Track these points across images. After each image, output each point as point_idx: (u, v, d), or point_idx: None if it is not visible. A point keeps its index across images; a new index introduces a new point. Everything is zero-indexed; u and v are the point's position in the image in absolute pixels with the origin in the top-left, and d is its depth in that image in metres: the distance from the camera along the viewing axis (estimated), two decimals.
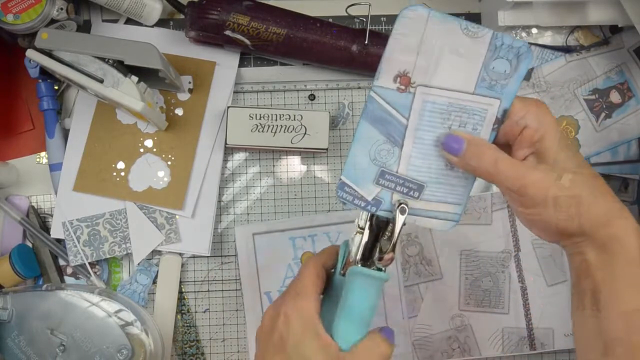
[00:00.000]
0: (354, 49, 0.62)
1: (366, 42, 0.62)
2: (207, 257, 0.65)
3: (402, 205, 0.43)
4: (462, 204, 0.44)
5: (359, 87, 0.67)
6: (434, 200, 0.43)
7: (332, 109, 0.67)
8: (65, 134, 0.65)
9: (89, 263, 0.63)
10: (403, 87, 0.42)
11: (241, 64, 0.66)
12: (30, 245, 0.65)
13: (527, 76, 0.64)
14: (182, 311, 0.65)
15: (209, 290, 0.66)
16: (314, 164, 0.67)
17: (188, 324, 0.65)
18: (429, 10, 0.40)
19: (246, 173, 0.66)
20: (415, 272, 0.65)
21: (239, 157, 0.66)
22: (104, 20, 0.66)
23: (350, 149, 0.43)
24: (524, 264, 0.65)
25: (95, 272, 0.64)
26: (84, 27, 0.65)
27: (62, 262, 0.65)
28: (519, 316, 0.64)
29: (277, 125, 0.62)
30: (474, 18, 0.67)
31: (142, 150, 0.64)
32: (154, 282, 0.65)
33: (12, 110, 0.66)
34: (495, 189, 0.66)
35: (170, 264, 0.64)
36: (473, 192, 0.66)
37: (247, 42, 0.62)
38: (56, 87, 0.65)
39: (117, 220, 0.64)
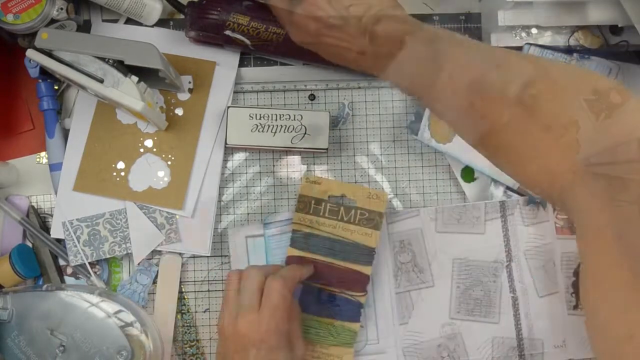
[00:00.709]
0: None
1: None
2: (207, 257, 0.65)
3: None
4: None
5: (359, 87, 0.67)
6: None
7: (332, 109, 0.67)
8: (65, 134, 0.65)
9: (89, 263, 0.63)
10: None
11: (241, 64, 0.66)
12: (30, 245, 0.65)
13: None
14: (182, 311, 0.65)
15: (209, 290, 0.66)
16: (314, 164, 0.67)
17: (188, 324, 0.65)
18: None
19: (246, 173, 0.66)
20: (407, 279, 0.65)
21: (239, 157, 0.66)
22: (104, 20, 0.66)
23: None
24: (515, 274, 0.65)
25: (95, 272, 0.64)
26: (84, 27, 0.65)
27: (62, 262, 0.65)
28: (510, 326, 0.64)
29: (277, 125, 0.62)
30: (474, 18, 0.67)
31: (142, 150, 0.64)
32: (154, 282, 0.64)
33: (12, 110, 0.66)
34: (488, 199, 0.66)
35: (170, 264, 0.64)
36: (467, 201, 0.66)
37: (247, 42, 0.62)
38: (56, 87, 0.65)
39: (117, 220, 0.64)
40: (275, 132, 0.62)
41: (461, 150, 0.64)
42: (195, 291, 0.65)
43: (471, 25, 0.68)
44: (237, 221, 0.66)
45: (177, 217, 0.64)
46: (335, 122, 0.66)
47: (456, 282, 0.65)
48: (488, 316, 0.64)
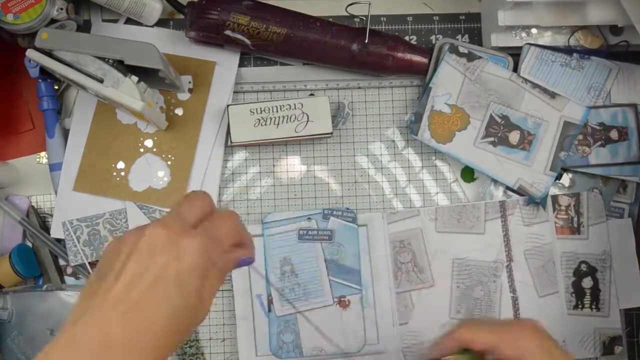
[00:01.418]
0: (354, 48, 0.62)
1: (366, 41, 0.62)
2: None
3: None
4: None
5: (359, 87, 0.67)
6: None
7: (332, 109, 0.67)
8: (65, 134, 0.65)
9: (89, 263, 0.63)
10: None
11: (241, 64, 0.66)
12: (30, 245, 0.65)
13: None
14: None
15: None
16: (314, 164, 0.67)
17: None
18: None
19: (246, 173, 0.66)
20: (407, 279, 0.65)
21: (239, 157, 0.66)
22: (104, 20, 0.66)
23: None
24: (515, 274, 0.65)
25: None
26: (84, 27, 0.65)
27: (62, 262, 0.65)
28: None
29: (279, 117, 0.62)
30: (474, 18, 0.67)
31: (142, 150, 0.64)
32: None
33: (12, 110, 0.66)
34: (488, 199, 0.66)
35: None
36: (467, 201, 0.66)
37: (247, 41, 0.62)
38: (56, 87, 0.65)
39: (117, 220, 0.64)
40: (278, 124, 0.62)
41: (461, 150, 0.64)
42: None
43: (471, 25, 0.68)
44: None
45: None
46: (335, 122, 0.66)
47: (456, 282, 0.65)
48: (488, 316, 0.64)
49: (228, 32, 0.61)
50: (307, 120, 0.62)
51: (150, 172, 0.64)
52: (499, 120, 0.64)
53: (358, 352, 0.64)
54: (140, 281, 0.34)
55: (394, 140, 0.67)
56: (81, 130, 0.64)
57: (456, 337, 0.48)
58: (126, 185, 0.64)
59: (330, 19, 0.65)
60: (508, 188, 0.65)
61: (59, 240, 0.64)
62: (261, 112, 0.62)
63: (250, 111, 0.62)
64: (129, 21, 0.66)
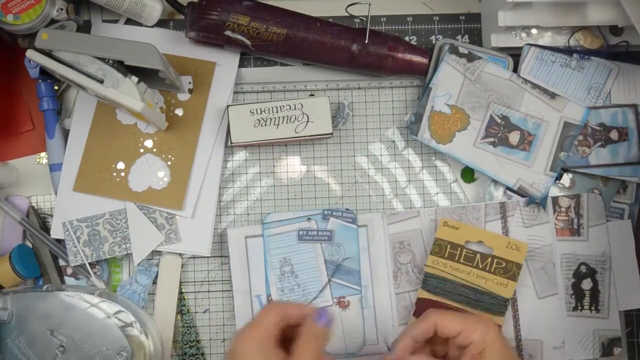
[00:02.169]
0: (354, 49, 0.62)
1: (366, 41, 0.62)
2: (207, 257, 0.65)
3: None
4: None
5: (359, 87, 0.67)
6: None
7: (332, 109, 0.67)
8: (65, 134, 0.65)
9: (89, 263, 0.63)
10: None
11: (241, 64, 0.66)
12: (30, 245, 0.65)
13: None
14: (182, 311, 0.65)
15: (209, 291, 0.66)
16: (314, 164, 0.67)
17: (188, 325, 0.65)
18: None
19: (246, 173, 0.66)
20: (407, 280, 0.65)
21: (239, 157, 0.66)
22: (104, 21, 0.66)
23: None
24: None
25: (95, 273, 0.64)
26: (84, 27, 0.65)
27: (62, 263, 0.65)
28: (508, 327, 0.64)
29: (279, 117, 0.62)
30: (474, 18, 0.67)
31: (142, 150, 0.64)
32: (154, 282, 0.64)
33: (12, 110, 0.66)
34: (488, 199, 0.66)
35: (171, 264, 0.64)
36: (468, 202, 0.66)
37: (247, 42, 0.62)
38: (56, 87, 0.65)
39: (117, 221, 0.64)
40: (279, 124, 0.62)
41: (461, 150, 0.64)
42: (195, 292, 0.65)
43: (471, 25, 0.68)
44: (236, 221, 0.66)
45: (176, 217, 0.64)
46: (335, 123, 0.66)
47: None
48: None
49: (228, 33, 0.61)
50: (307, 121, 0.62)
51: (151, 172, 0.64)
52: (499, 120, 0.64)
53: (358, 353, 0.64)
54: None
55: (394, 141, 0.67)
56: (81, 130, 0.64)
57: (432, 322, 0.54)
58: (126, 186, 0.64)
59: (330, 19, 0.65)
60: (508, 188, 0.65)
61: (59, 241, 0.64)
62: (261, 113, 0.62)
63: (250, 111, 0.62)
64: (129, 21, 0.66)
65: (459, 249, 0.63)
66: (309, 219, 0.65)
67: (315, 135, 0.62)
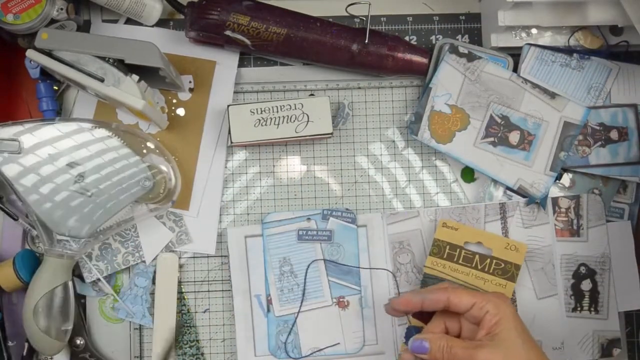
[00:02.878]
0: (354, 48, 0.62)
1: (366, 41, 0.62)
2: (207, 257, 0.65)
3: None
4: None
5: (359, 87, 0.67)
6: None
7: (332, 109, 0.67)
8: None
9: (105, 277, 0.64)
10: None
11: (241, 64, 0.66)
12: (30, 249, 0.65)
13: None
14: (182, 311, 0.65)
15: (209, 291, 0.65)
16: (314, 164, 0.67)
17: (188, 324, 0.65)
18: None
19: (246, 173, 0.66)
20: (407, 280, 0.65)
21: (239, 157, 0.66)
22: (104, 21, 0.66)
23: None
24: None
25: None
26: (84, 27, 0.65)
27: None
28: None
29: (279, 117, 0.62)
30: (474, 18, 0.67)
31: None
32: (153, 282, 0.64)
33: (12, 110, 0.66)
34: (488, 199, 0.65)
35: (167, 263, 0.64)
36: (468, 202, 0.66)
37: (247, 42, 0.62)
38: (55, 88, 0.65)
39: (127, 230, 0.64)
40: (279, 124, 0.62)
41: (461, 150, 0.64)
42: (195, 291, 0.65)
43: (471, 25, 0.68)
44: (236, 221, 0.66)
45: (184, 218, 0.64)
46: (335, 123, 0.66)
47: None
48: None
49: (228, 33, 0.61)
50: (308, 121, 0.62)
51: None
52: (499, 120, 0.64)
53: (357, 353, 0.64)
54: None
55: (394, 141, 0.67)
56: None
57: (444, 293, 0.53)
58: None
59: (330, 19, 0.65)
60: (508, 188, 0.65)
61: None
62: (261, 113, 0.62)
63: (251, 111, 0.62)
64: (129, 21, 0.66)
65: (458, 249, 0.63)
66: (308, 219, 0.65)
67: (315, 135, 0.62)
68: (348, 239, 0.64)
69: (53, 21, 0.59)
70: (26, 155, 0.57)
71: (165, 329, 0.63)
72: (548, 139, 0.64)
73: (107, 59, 0.56)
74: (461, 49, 0.64)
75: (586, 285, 0.65)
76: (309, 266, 0.64)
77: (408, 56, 0.64)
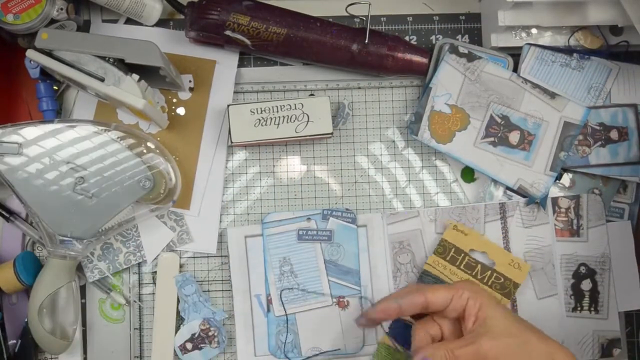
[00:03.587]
0: (354, 48, 0.62)
1: (366, 41, 0.62)
2: (207, 257, 0.65)
3: None
4: None
5: (359, 87, 0.67)
6: None
7: (332, 109, 0.67)
8: None
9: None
10: None
11: (241, 64, 0.66)
12: (31, 250, 0.65)
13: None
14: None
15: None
16: (314, 164, 0.67)
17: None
18: None
19: (246, 173, 0.66)
20: (406, 280, 0.65)
21: (239, 157, 0.66)
22: (103, 21, 0.66)
23: None
24: None
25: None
26: (84, 27, 0.65)
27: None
28: None
29: (280, 117, 0.62)
30: (474, 18, 0.67)
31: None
32: (154, 282, 0.64)
33: (12, 110, 0.66)
34: (488, 199, 0.65)
35: (169, 262, 0.64)
36: (468, 202, 0.66)
37: (247, 42, 0.62)
38: (55, 88, 0.65)
39: (128, 230, 0.64)
40: (279, 124, 0.62)
41: (461, 150, 0.64)
42: None
43: (471, 25, 0.68)
44: (236, 221, 0.66)
45: (185, 218, 0.64)
46: (335, 123, 0.66)
47: None
48: None
49: (228, 32, 0.61)
50: (308, 121, 0.62)
51: None
52: (499, 120, 0.64)
53: (357, 353, 0.64)
54: None
55: (394, 141, 0.67)
56: None
57: (422, 295, 0.52)
58: None
59: (330, 19, 0.65)
60: (508, 188, 0.65)
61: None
62: (261, 112, 0.62)
63: (251, 111, 0.62)
64: (129, 21, 0.66)
65: (463, 255, 0.63)
66: (308, 218, 0.65)
67: (315, 135, 0.62)
68: (348, 239, 0.64)
69: (53, 21, 0.59)
70: (26, 157, 0.57)
71: (166, 329, 0.63)
72: (548, 139, 0.64)
73: (107, 58, 0.56)
74: (461, 49, 0.64)
75: (586, 285, 0.65)
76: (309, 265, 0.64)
77: (408, 56, 0.64)
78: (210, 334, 0.63)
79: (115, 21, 0.66)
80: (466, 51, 0.64)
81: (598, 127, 0.65)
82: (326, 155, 0.67)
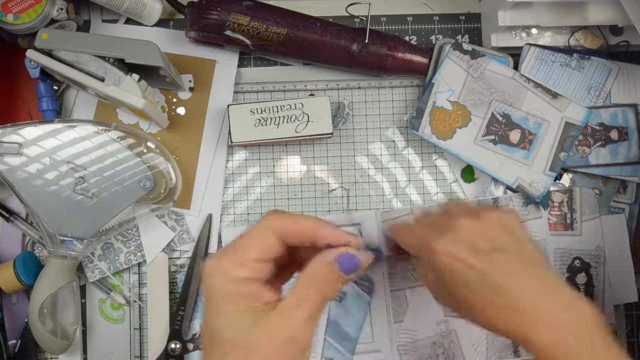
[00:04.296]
0: (354, 48, 0.62)
1: (366, 41, 0.62)
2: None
3: None
4: None
5: (359, 87, 0.67)
6: None
7: (332, 109, 0.67)
8: None
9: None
10: None
11: (241, 64, 0.66)
12: (31, 251, 0.65)
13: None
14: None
15: None
16: (314, 164, 0.67)
17: None
18: None
19: (246, 173, 0.66)
20: (402, 277, 0.65)
21: (239, 157, 0.66)
22: (103, 21, 0.66)
23: None
24: None
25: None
26: (84, 27, 0.65)
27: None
28: None
29: (280, 117, 0.62)
30: (474, 18, 0.68)
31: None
32: (144, 284, 0.64)
33: (12, 110, 0.66)
34: (488, 195, 0.66)
35: (158, 263, 0.64)
36: (467, 198, 0.66)
37: (248, 42, 0.62)
38: (55, 88, 0.65)
39: (128, 230, 0.64)
40: (279, 124, 0.62)
41: (461, 147, 0.64)
42: None
43: (471, 25, 0.68)
44: (237, 221, 0.66)
45: (185, 218, 0.64)
46: (335, 123, 0.66)
47: None
48: None
49: (228, 32, 0.61)
50: (308, 121, 0.62)
51: None
52: (500, 118, 0.64)
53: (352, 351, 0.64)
54: None
55: (394, 140, 0.67)
56: None
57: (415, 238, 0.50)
58: None
59: (330, 19, 0.65)
60: (508, 188, 0.65)
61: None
62: (261, 112, 0.62)
63: (251, 111, 0.62)
64: (129, 21, 0.66)
65: None
66: None
67: (315, 135, 0.62)
68: (358, 306, 0.64)
69: (53, 21, 0.59)
70: (26, 157, 0.57)
71: (159, 329, 0.63)
72: (548, 139, 0.64)
73: (107, 58, 0.56)
74: (465, 46, 0.64)
75: (581, 278, 0.65)
76: None
77: (408, 56, 0.64)
78: None
79: (115, 21, 0.66)
80: (470, 48, 0.64)
81: (598, 127, 0.65)
82: (326, 155, 0.67)
